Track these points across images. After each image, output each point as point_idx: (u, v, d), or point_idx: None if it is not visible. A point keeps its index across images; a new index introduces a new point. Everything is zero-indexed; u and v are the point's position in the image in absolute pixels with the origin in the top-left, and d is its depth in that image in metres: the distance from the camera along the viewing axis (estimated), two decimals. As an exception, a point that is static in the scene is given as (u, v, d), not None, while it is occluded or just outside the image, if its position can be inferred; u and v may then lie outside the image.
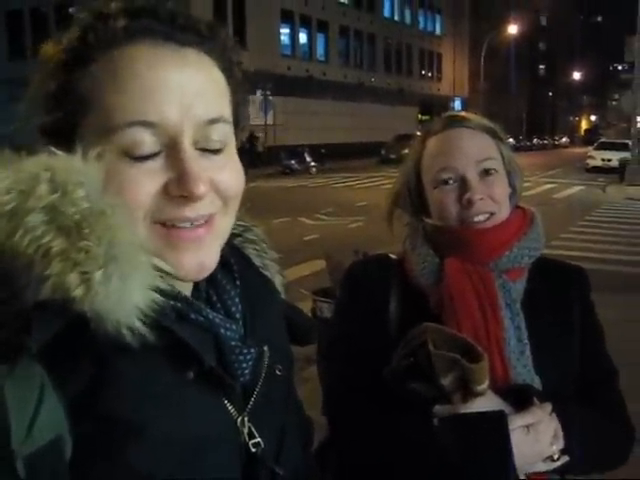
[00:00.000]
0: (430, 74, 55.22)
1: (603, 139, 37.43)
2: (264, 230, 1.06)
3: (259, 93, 31.22)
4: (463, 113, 1.51)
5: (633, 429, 1.45)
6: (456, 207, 1.39)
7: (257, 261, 0.99)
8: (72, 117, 0.74)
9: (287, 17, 37.03)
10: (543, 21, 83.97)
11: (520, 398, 1.29)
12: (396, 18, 48.75)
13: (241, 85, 0.87)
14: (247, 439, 0.81)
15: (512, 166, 1.47)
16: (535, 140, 64.66)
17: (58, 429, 0.64)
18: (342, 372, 1.42)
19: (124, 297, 0.67)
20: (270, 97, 31.37)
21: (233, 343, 0.81)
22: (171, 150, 0.74)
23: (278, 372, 0.90)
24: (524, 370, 1.34)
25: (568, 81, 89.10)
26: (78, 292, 0.65)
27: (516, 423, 1.25)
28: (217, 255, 0.80)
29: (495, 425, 1.24)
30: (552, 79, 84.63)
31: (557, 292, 1.46)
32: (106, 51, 0.74)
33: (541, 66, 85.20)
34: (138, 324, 0.68)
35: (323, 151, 33.13)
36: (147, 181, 0.73)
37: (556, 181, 25.41)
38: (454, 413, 1.24)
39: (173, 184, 0.74)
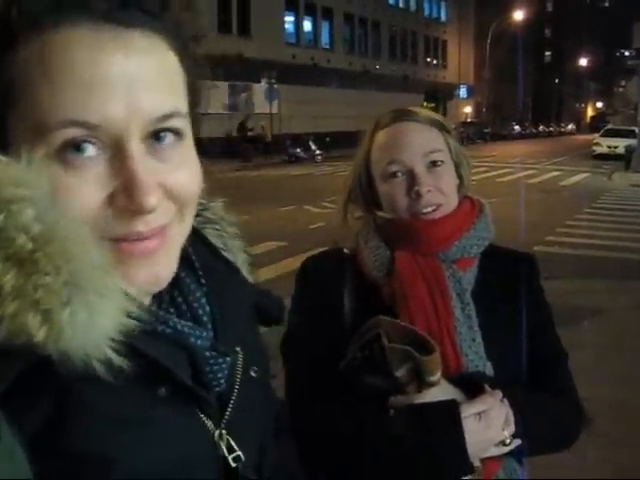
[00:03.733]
0: (435, 61, 54.96)
1: (609, 126, 37.26)
2: (222, 207, 0.97)
3: (264, 81, 31.14)
4: (410, 107, 1.54)
5: (582, 408, 1.53)
6: (405, 199, 1.42)
7: (218, 242, 0.90)
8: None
9: (292, 5, 36.87)
10: (549, 7, 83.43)
11: (472, 386, 1.34)
12: (401, 5, 48.49)
13: (197, 66, 0.76)
14: (226, 453, 0.75)
15: (459, 158, 1.50)
16: (541, 127, 64.32)
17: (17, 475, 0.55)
18: (299, 366, 1.46)
19: (93, 330, 0.59)
20: (275, 85, 31.28)
21: (207, 354, 0.74)
22: (116, 154, 0.63)
23: (253, 374, 0.83)
24: (476, 357, 1.38)
25: (574, 67, 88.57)
26: (41, 334, 0.56)
27: (468, 411, 1.30)
28: (174, 265, 0.71)
29: (448, 414, 1.30)
30: (558, 66, 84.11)
31: (507, 279, 1.49)
32: (35, 32, 0.62)
33: (547, 52, 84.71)
34: (110, 353, 0.60)
35: (328, 139, 33.06)
36: (89, 191, 0.62)
37: (562, 168, 25.34)
38: (408, 404, 1.30)
39: (120, 195, 0.63)
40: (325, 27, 40.31)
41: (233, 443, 0.75)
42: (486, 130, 49.65)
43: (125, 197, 0.63)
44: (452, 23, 56.78)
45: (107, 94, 0.62)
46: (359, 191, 1.52)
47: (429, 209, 1.42)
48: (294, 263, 9.12)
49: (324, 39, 40.17)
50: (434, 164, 1.43)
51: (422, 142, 1.44)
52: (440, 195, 1.43)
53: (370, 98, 40.62)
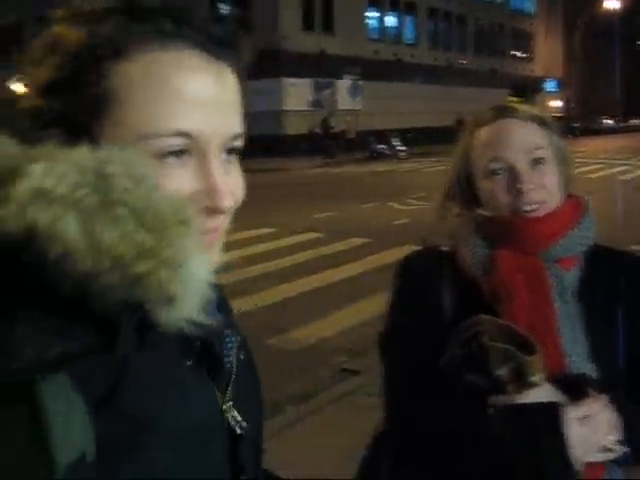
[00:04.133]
0: (522, 55, 53.65)
1: None
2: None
3: (347, 78, 31.17)
4: (512, 104, 1.52)
5: None
6: (507, 197, 1.40)
7: None
8: (93, 109, 0.71)
9: (375, 0, 36.73)
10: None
11: (575, 388, 1.30)
12: (487, -3, 47.56)
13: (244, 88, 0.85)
14: (232, 423, 0.82)
15: (562, 154, 1.48)
16: (633, 121, 61.79)
17: (88, 439, 0.63)
18: (398, 364, 1.45)
19: (200, 291, 0.67)
20: (358, 82, 31.25)
21: (225, 331, 0.84)
22: (201, 162, 0.74)
23: (242, 357, 0.90)
24: (579, 358, 1.34)
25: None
26: (176, 290, 0.64)
27: (572, 414, 1.26)
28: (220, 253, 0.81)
29: (551, 416, 1.26)
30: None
31: (612, 280, 1.43)
32: (142, 50, 0.71)
33: (639, 42, 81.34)
34: (201, 317, 0.67)
35: (410, 135, 32.79)
36: (180, 186, 0.73)
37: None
38: (509, 404, 1.27)
39: (202, 195, 0.74)
40: (409, 22, 39.97)
41: (236, 414, 0.83)
42: (575, 125, 48.10)
43: (208, 198, 0.74)
44: (539, 15, 55.28)
45: (204, 111, 0.73)
46: (458, 188, 1.50)
47: (532, 207, 1.39)
48: (378, 260, 9.14)
49: (408, 34, 39.83)
50: (537, 161, 1.40)
51: (524, 139, 1.42)
52: (543, 192, 1.40)
53: (455, 93, 40.07)
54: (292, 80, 30.27)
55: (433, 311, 1.43)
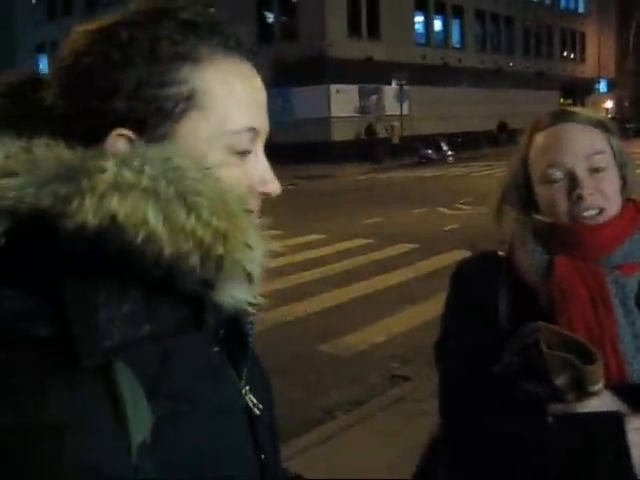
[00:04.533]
0: (572, 55, 52.69)
1: None
2: None
3: (394, 83, 31.10)
4: (572, 108, 1.50)
5: None
6: (566, 203, 1.37)
7: None
8: (170, 111, 0.76)
9: (421, 5, 36.58)
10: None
11: (637, 398, 1.26)
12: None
13: None
14: (251, 404, 0.87)
15: (623, 159, 1.44)
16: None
17: (148, 422, 0.68)
18: (454, 369, 1.45)
19: (261, 273, 0.74)
20: (405, 87, 31.15)
21: (248, 318, 0.87)
22: (257, 154, 0.84)
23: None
24: None
25: None
26: (252, 270, 0.71)
27: (634, 424, 1.24)
28: None
29: (612, 425, 1.23)
30: None
31: None
32: (212, 60, 0.79)
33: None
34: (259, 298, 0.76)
35: (460, 140, 32.51)
36: (243, 176, 0.81)
37: None
38: (568, 412, 1.25)
39: (256, 184, 0.83)
40: (456, 26, 39.68)
41: (252, 396, 0.87)
42: (629, 126, 47.01)
43: (261, 186, 0.84)
44: (591, 14, 54.24)
45: (260, 111, 0.84)
46: (516, 193, 1.48)
47: (591, 212, 1.36)
48: (428, 265, 9.10)
49: (455, 38, 39.55)
50: (596, 166, 1.37)
51: (584, 144, 1.38)
52: (602, 198, 1.37)
53: (503, 96, 39.59)
54: (339, 86, 30.33)
55: (489, 316, 1.42)
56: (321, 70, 29.53)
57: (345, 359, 5.64)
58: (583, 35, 53.80)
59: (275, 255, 0.76)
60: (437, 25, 38.55)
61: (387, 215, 13.80)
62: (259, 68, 0.86)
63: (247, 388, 0.86)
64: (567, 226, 1.38)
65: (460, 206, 14.44)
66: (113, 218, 0.64)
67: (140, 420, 0.66)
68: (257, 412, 0.87)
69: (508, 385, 1.29)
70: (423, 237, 10.89)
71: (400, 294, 7.54)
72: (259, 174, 0.83)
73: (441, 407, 1.47)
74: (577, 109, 1.48)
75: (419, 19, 36.97)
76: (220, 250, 0.68)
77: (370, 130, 30.44)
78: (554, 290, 1.36)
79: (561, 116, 1.44)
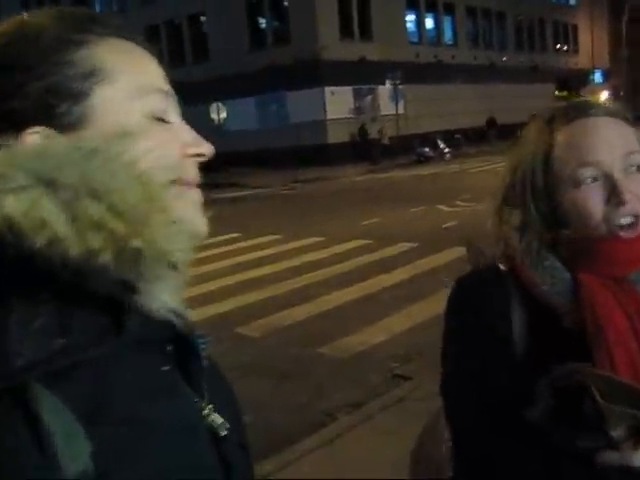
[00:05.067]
0: (566, 47, 52.68)
1: None
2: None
3: (388, 83, 31.11)
4: (589, 99, 1.33)
5: None
6: (602, 208, 1.18)
7: None
8: (77, 88, 0.73)
9: (412, 3, 36.62)
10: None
11: None
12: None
13: None
14: (212, 423, 0.80)
15: None
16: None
17: (86, 454, 0.60)
18: (467, 404, 1.25)
19: (186, 268, 0.71)
20: (399, 86, 31.17)
21: (196, 334, 0.80)
22: (175, 117, 0.81)
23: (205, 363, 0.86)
24: None
25: None
26: (179, 258, 0.67)
27: None
28: None
29: None
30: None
31: None
32: (108, 38, 0.77)
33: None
34: (181, 309, 0.73)
35: (457, 136, 32.53)
36: (172, 138, 0.77)
37: None
38: (625, 463, 1.09)
39: (187, 146, 0.78)
40: (447, 23, 39.71)
41: (217, 416, 0.80)
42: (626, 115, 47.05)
43: (194, 148, 0.79)
44: (582, 5, 54.24)
45: (163, 80, 0.80)
46: (531, 197, 1.25)
47: (628, 220, 1.18)
48: (428, 263, 9.10)
49: (447, 35, 39.57)
50: (634, 167, 1.20)
51: (620, 140, 1.21)
52: (639, 203, 1.19)
53: (498, 91, 39.62)
54: (333, 89, 30.36)
55: (502, 346, 1.23)
56: (315, 73, 29.55)
57: (345, 361, 5.65)
58: (575, 27, 53.79)
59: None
60: (429, 23, 38.56)
61: (385, 215, 13.81)
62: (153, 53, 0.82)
63: (210, 407, 0.80)
64: (601, 239, 1.18)
65: (458, 203, 14.44)
66: (9, 220, 0.58)
67: (75, 449, 0.59)
68: (223, 432, 0.80)
69: (544, 430, 1.12)
70: (422, 236, 10.89)
71: (399, 293, 7.55)
72: (188, 136, 0.79)
73: (458, 453, 1.30)
74: (596, 101, 1.30)
75: (411, 18, 36.99)
76: (137, 242, 0.61)
77: (363, 131, 30.48)
78: (586, 315, 1.17)
79: (585, 108, 1.25)
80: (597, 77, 57.21)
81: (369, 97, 32.79)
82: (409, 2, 36.23)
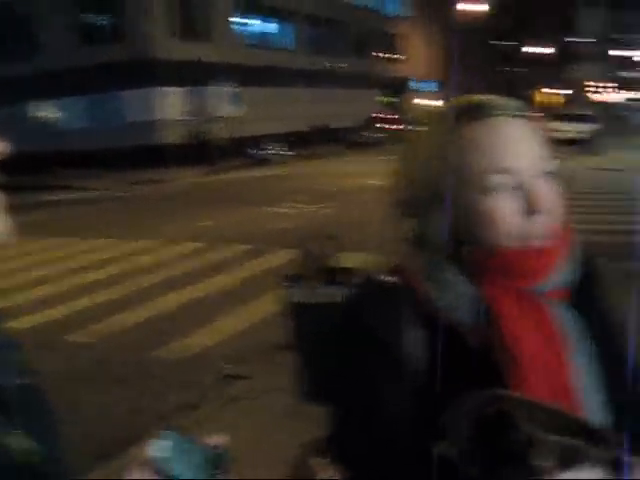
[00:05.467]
0: (397, 56, 55.33)
1: (563, 111, 37.69)
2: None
3: (226, 85, 31.12)
4: (495, 97, 1.15)
5: None
6: (516, 218, 1.07)
7: None
8: None
9: (253, 7, 36.84)
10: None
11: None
12: (360, 3, 48.75)
13: None
14: (23, 451, 0.74)
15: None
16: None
17: None
18: (365, 454, 1.08)
19: None
20: (237, 88, 31.28)
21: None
22: None
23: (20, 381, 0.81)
24: (602, 420, 1.06)
25: (531, 54, 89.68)
26: None
27: None
28: None
29: None
30: (513, 53, 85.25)
31: (597, 300, 1.20)
32: None
33: (506, 41, 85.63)
34: None
35: (292, 139, 33.14)
36: None
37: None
38: None
39: None
40: (287, 28, 40.36)
41: (25, 441, 0.74)
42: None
43: None
44: (413, 18, 57.12)
45: None
46: (431, 206, 1.11)
47: (541, 229, 1.08)
48: (261, 264, 9.19)
49: (286, 40, 40.22)
50: (546, 172, 1.10)
51: (532, 145, 1.10)
52: (550, 214, 1.10)
53: (332, 96, 40.85)
54: (168, 89, 29.89)
55: (400, 372, 1.07)
56: (150, 72, 28.92)
57: (180, 363, 5.71)
58: (406, 37, 56.55)
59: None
60: (268, 27, 38.99)
61: (220, 217, 13.85)
62: None
63: (17, 432, 0.74)
64: (513, 249, 1.07)
65: (293, 204, 14.75)
66: None
67: None
68: (37, 458, 0.75)
69: (459, 468, 0.98)
70: (256, 237, 11.03)
71: (231, 295, 7.67)
72: None
73: None
74: (508, 100, 1.15)
75: (251, 21, 37.22)
76: None
77: (198, 133, 30.31)
78: (496, 336, 1.05)
79: (493, 106, 1.11)
80: (428, 86, 60.41)
81: (204, 98, 32.62)
82: (249, 6, 36.41)
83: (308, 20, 41.61)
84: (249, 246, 10.43)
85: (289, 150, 30.57)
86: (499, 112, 1.10)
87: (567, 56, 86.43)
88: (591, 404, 1.06)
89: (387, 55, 53.72)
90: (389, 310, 1.10)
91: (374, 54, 50.74)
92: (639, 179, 14.83)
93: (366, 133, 36.89)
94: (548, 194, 1.09)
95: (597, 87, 78.41)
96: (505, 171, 1.06)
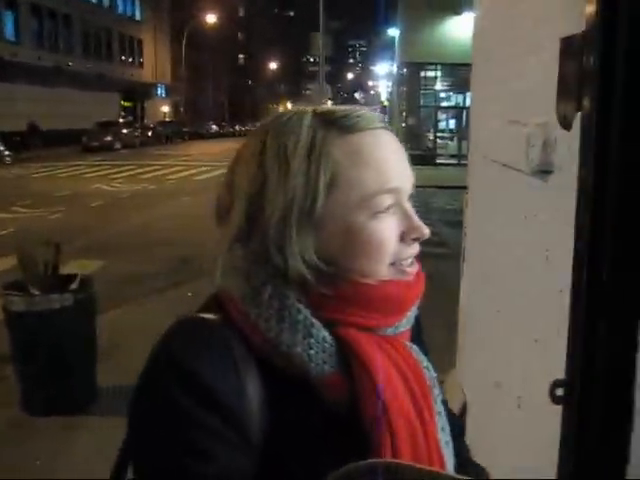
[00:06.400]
0: (131, 60, 54.28)
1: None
2: None
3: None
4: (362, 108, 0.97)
5: None
6: (396, 245, 0.92)
7: None
8: None
9: (-31, -8, 33.98)
10: (241, 12, 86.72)
11: None
12: (93, 0, 47.13)
13: None
14: None
15: None
16: (237, 127, 66.45)
17: None
18: None
19: None
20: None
21: None
22: None
23: None
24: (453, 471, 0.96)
25: (266, 70, 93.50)
26: None
27: None
28: None
29: None
30: (251, 68, 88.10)
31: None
32: None
33: (240, 55, 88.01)
34: None
35: (18, 139, 31.15)
36: None
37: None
38: None
39: None
40: (9, 18, 37.69)
41: None
42: (184, 129, 50.21)
43: None
44: (147, 22, 56.43)
45: None
46: (283, 233, 0.88)
47: (412, 257, 0.95)
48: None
49: (9, 31, 37.54)
50: (411, 196, 0.96)
51: (407, 164, 0.96)
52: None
53: (64, 96, 39.00)
54: None
55: (237, 427, 0.83)
56: None
57: None
58: (141, 41, 55.75)
59: None
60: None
61: None
62: None
63: None
64: (385, 281, 0.91)
65: (17, 209, 14.06)
66: None
67: None
68: None
69: None
70: (-24, 243, 10.40)
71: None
72: None
73: None
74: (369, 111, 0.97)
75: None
76: None
77: None
78: (360, 387, 0.87)
79: (365, 118, 0.93)
80: (160, 91, 60.17)
81: None
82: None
83: (33, 10, 39.19)
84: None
85: (16, 151, 28.71)
86: (374, 126, 0.93)
87: (304, 74, 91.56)
88: (450, 457, 0.96)
89: (124, 58, 52.68)
90: (219, 362, 0.85)
91: (110, 55, 49.42)
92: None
93: (103, 137, 35.89)
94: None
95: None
96: (389, 191, 0.90)
